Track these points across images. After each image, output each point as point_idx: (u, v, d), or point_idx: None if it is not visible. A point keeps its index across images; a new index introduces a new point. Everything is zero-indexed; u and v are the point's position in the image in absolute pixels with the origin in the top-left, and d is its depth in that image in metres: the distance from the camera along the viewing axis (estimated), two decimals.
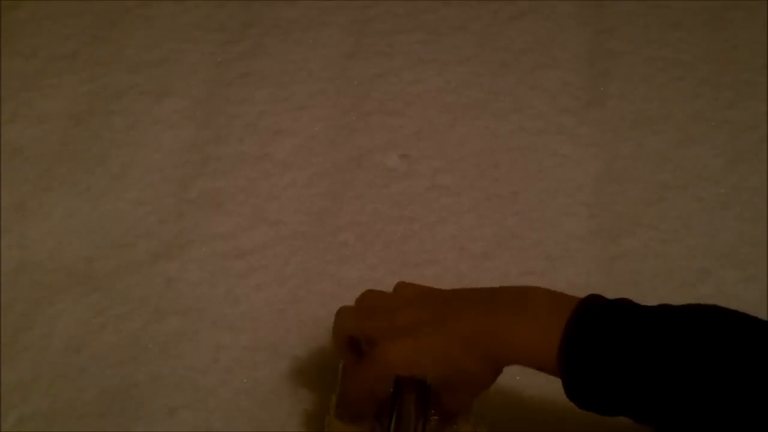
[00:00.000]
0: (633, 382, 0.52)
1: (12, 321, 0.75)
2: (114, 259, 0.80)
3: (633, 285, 0.78)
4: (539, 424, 0.69)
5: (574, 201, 0.85)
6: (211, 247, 0.81)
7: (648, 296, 0.56)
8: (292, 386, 0.72)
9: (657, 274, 0.79)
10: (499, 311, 0.56)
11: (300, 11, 1.05)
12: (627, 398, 0.52)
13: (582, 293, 0.56)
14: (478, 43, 1.01)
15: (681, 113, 0.94)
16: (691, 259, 0.80)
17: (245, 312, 0.77)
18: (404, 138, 0.91)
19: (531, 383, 0.69)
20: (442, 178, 0.87)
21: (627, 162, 0.89)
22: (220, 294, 0.78)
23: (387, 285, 0.67)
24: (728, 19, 1.04)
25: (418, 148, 0.90)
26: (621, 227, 0.83)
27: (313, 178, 0.87)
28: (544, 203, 0.85)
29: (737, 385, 0.49)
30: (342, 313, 0.65)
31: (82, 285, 0.78)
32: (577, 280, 0.78)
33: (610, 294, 0.56)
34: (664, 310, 0.54)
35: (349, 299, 0.67)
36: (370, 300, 0.65)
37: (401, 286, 0.65)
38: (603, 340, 0.52)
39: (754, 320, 0.52)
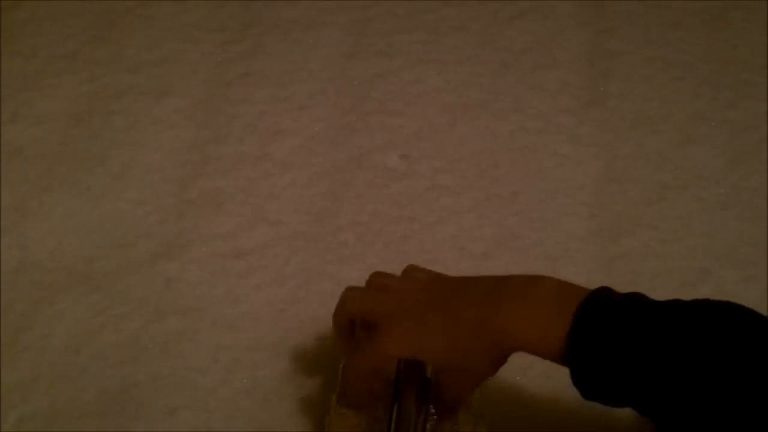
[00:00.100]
0: (640, 374, 0.51)
1: (12, 321, 0.75)
2: (114, 259, 0.80)
3: (633, 285, 0.76)
4: (539, 424, 0.69)
5: (574, 201, 0.85)
6: (211, 247, 0.81)
7: (648, 296, 0.56)
8: (292, 386, 0.72)
9: (657, 274, 0.79)
10: (507, 297, 0.56)
11: (300, 11, 1.05)
12: (633, 389, 0.52)
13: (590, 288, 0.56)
14: (478, 43, 1.01)
15: (681, 113, 0.94)
16: (691, 259, 0.80)
17: (245, 312, 0.77)
18: (404, 138, 0.91)
19: (531, 383, 0.69)
20: (442, 178, 0.87)
21: (627, 162, 0.89)
22: (220, 294, 0.78)
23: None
24: (728, 19, 1.04)
25: (418, 148, 0.90)
26: (621, 227, 0.83)
27: (313, 178, 0.87)
28: (544, 203, 0.85)
29: (744, 381, 0.49)
30: (349, 291, 0.65)
31: (82, 285, 0.78)
32: (577, 280, 0.77)
33: None
34: (675, 304, 0.54)
35: None
36: (378, 280, 0.65)
37: (411, 269, 0.66)
38: (612, 330, 0.52)
39: (764, 317, 0.52)
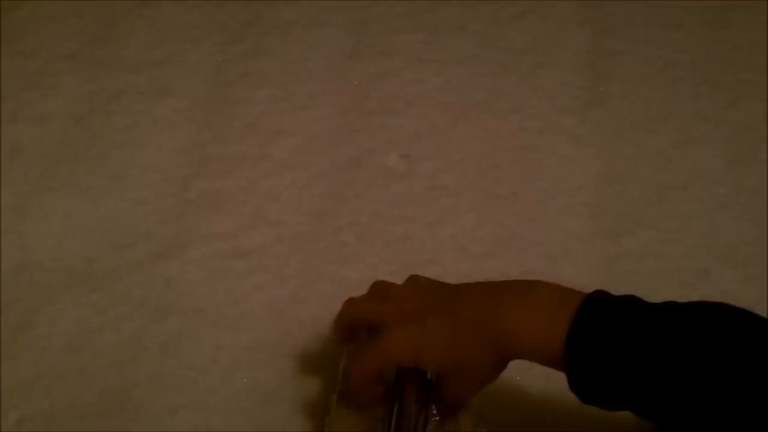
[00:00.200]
0: (637, 378, 0.52)
1: (12, 321, 0.75)
2: (114, 259, 0.80)
3: (633, 285, 0.76)
4: (539, 424, 0.69)
5: (574, 201, 0.85)
6: (211, 247, 0.81)
7: (648, 296, 0.56)
8: (292, 386, 0.71)
9: (657, 274, 0.79)
10: (506, 304, 0.57)
11: (300, 11, 1.05)
12: (631, 393, 0.53)
13: (586, 292, 0.56)
14: (478, 43, 1.01)
15: (681, 113, 0.94)
16: (691, 259, 0.80)
17: (245, 312, 0.77)
18: (404, 138, 0.91)
19: (531, 383, 0.69)
20: (442, 178, 0.87)
21: (627, 162, 0.89)
22: (220, 294, 0.78)
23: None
24: (728, 19, 1.04)
25: (418, 148, 0.90)
26: (621, 227, 0.83)
27: (313, 178, 0.87)
28: (544, 203, 0.85)
29: (741, 383, 0.49)
30: (352, 300, 0.66)
31: (82, 285, 0.78)
32: (577, 280, 0.77)
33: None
34: (670, 306, 0.54)
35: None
36: (381, 288, 0.66)
37: (413, 278, 0.66)
38: (608, 335, 0.52)
39: (760, 318, 0.52)
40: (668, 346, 0.51)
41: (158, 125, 0.92)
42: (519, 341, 0.56)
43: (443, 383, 0.60)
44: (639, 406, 0.53)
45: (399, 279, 0.67)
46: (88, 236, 0.82)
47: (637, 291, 0.57)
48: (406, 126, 0.92)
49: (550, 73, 0.98)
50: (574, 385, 0.54)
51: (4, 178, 0.86)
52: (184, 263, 0.80)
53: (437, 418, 0.62)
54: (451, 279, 0.78)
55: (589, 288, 0.57)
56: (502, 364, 0.59)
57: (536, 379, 0.67)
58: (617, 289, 0.57)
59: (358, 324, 0.66)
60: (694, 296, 0.55)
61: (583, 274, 0.79)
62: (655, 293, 0.57)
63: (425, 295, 0.63)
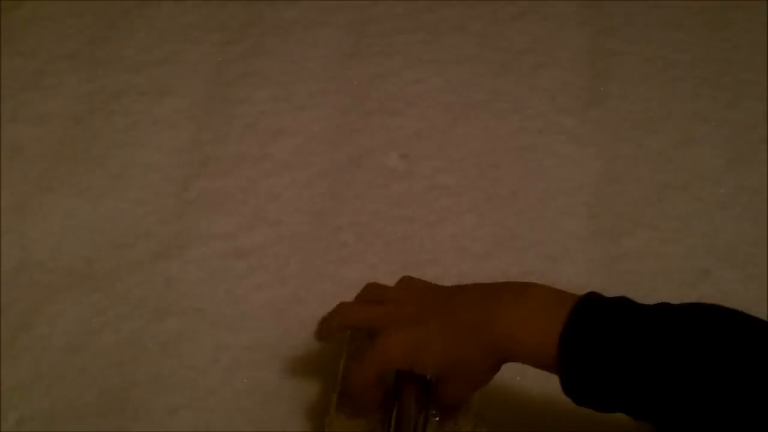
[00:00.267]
0: (630, 379, 0.52)
1: (12, 321, 0.75)
2: (114, 259, 0.80)
3: (633, 285, 0.78)
4: (539, 424, 0.69)
5: (574, 201, 0.85)
6: (211, 247, 0.81)
7: (648, 296, 0.56)
8: (292, 386, 0.72)
9: (657, 274, 0.79)
10: (500, 306, 0.57)
11: (300, 11, 1.05)
12: (624, 395, 0.53)
13: (582, 293, 0.56)
14: (478, 43, 1.01)
15: (681, 113, 0.94)
16: (691, 259, 0.80)
17: (245, 312, 0.77)
18: (404, 138, 0.91)
19: (531, 383, 0.69)
20: (442, 178, 0.87)
21: (627, 162, 0.89)
22: (220, 294, 0.78)
23: (388, 285, 0.67)
24: (728, 19, 1.04)
25: (418, 148, 0.90)
26: (621, 227, 0.83)
27: (313, 178, 0.87)
28: (544, 203, 0.85)
29: (734, 383, 0.49)
30: (345, 304, 0.65)
31: (82, 285, 0.78)
32: (577, 280, 0.78)
33: (610, 294, 0.56)
34: (663, 308, 0.54)
35: (349, 299, 0.67)
36: (374, 291, 0.66)
37: (406, 280, 0.66)
38: (601, 337, 0.53)
39: (753, 319, 0.52)
40: (660, 348, 0.51)
41: (158, 125, 0.92)
42: (514, 344, 0.56)
43: (439, 385, 0.60)
44: (632, 408, 0.53)
45: (398, 279, 0.67)
46: (88, 236, 0.82)
47: (637, 291, 0.57)
48: (406, 126, 0.92)
49: (550, 73, 0.98)
50: (566, 387, 0.54)
51: (4, 178, 0.86)
52: (184, 263, 0.80)
53: (437, 418, 0.62)
54: (451, 279, 0.78)
55: (590, 288, 0.57)
56: (496, 367, 0.59)
57: (536, 379, 0.67)
58: (617, 289, 0.57)
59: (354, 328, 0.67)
60: (694, 296, 0.55)
61: (583, 274, 0.79)
62: (655, 293, 0.57)
63: (420, 298, 0.63)
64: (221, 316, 0.76)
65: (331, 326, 0.66)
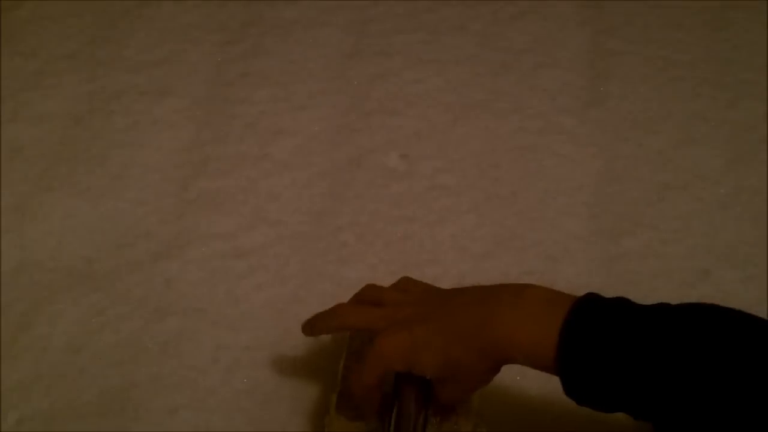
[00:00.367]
0: (630, 379, 0.52)
1: (12, 321, 0.75)
2: (114, 259, 0.80)
3: (633, 285, 0.78)
4: (539, 424, 0.69)
5: (574, 201, 0.85)
6: (211, 247, 0.81)
7: (648, 296, 0.56)
8: (292, 386, 0.72)
9: (657, 274, 0.79)
10: (497, 308, 0.57)
11: (300, 11, 1.05)
12: (624, 395, 0.53)
13: (581, 293, 0.56)
14: (478, 43, 1.01)
15: (681, 113, 0.94)
16: (691, 259, 0.80)
17: (245, 312, 0.77)
18: (404, 138, 0.91)
19: (531, 383, 0.69)
20: (442, 178, 0.87)
21: (627, 162, 0.89)
22: (220, 294, 0.78)
23: (387, 285, 0.67)
24: (728, 19, 1.04)
25: (418, 148, 0.90)
26: (621, 227, 0.83)
27: (313, 178, 0.87)
28: (544, 203, 0.85)
29: (734, 382, 0.49)
30: (342, 306, 0.65)
31: (82, 285, 0.78)
32: (577, 280, 0.78)
33: (610, 294, 0.56)
34: (662, 308, 0.54)
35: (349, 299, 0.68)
36: (372, 293, 0.65)
37: (405, 282, 0.66)
38: (600, 337, 0.53)
39: (752, 318, 0.52)
40: (660, 348, 0.51)
41: (158, 125, 0.92)
42: (512, 346, 0.56)
43: (437, 386, 0.60)
44: (632, 408, 0.53)
45: (397, 280, 0.67)
46: (88, 236, 0.82)
47: (637, 291, 0.57)
48: (406, 126, 0.92)
49: (550, 73, 0.98)
50: (567, 387, 0.54)
51: (4, 178, 0.86)
52: (184, 263, 0.80)
53: (437, 418, 0.62)
54: (451, 279, 0.78)
55: (589, 288, 0.57)
56: (495, 369, 0.59)
57: (536, 379, 0.67)
58: (617, 289, 0.57)
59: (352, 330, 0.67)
60: (694, 296, 0.55)
61: (583, 274, 0.79)
62: (655, 293, 0.57)
63: (418, 300, 0.63)
64: (221, 316, 0.76)
65: (328, 327, 0.66)
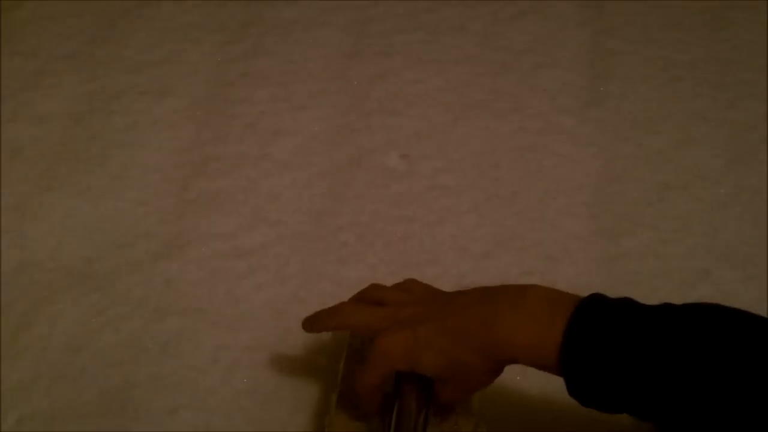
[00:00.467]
0: (635, 380, 0.52)
1: (12, 321, 0.75)
2: (114, 259, 0.80)
3: (633, 285, 0.78)
4: (539, 424, 0.69)
5: (574, 201, 0.85)
6: (211, 247, 0.81)
7: (648, 296, 0.56)
8: (292, 386, 0.72)
9: (657, 274, 0.79)
10: (499, 308, 0.57)
11: (300, 11, 1.05)
12: (630, 395, 0.52)
13: (582, 293, 0.56)
14: (478, 43, 1.01)
15: (681, 113, 0.94)
16: (691, 259, 0.80)
17: (245, 312, 0.77)
18: (404, 138, 0.91)
19: (531, 383, 0.69)
20: (442, 178, 0.87)
21: (627, 162, 0.89)
22: (220, 294, 0.78)
23: (388, 285, 0.67)
24: (728, 19, 1.04)
25: (418, 148, 0.90)
26: (621, 227, 0.83)
27: (313, 178, 0.87)
28: (544, 203, 0.85)
29: (738, 383, 0.49)
30: (344, 305, 0.65)
31: (82, 285, 0.78)
32: (577, 280, 0.78)
33: (610, 294, 0.56)
34: (666, 308, 0.54)
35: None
36: (375, 293, 0.66)
37: (409, 283, 0.66)
38: (605, 338, 0.52)
39: (757, 318, 0.52)
40: (665, 348, 0.51)
41: (158, 125, 0.92)
42: (514, 347, 0.56)
43: (438, 386, 0.60)
44: (636, 409, 0.53)
45: (399, 279, 0.67)
46: (88, 236, 0.82)
47: (637, 291, 0.57)
48: (406, 126, 0.92)
49: (550, 73, 0.98)
50: (571, 388, 0.54)
51: (4, 178, 0.86)
52: (184, 263, 0.80)
53: (437, 418, 0.62)
54: (451, 279, 0.78)
55: (589, 288, 0.57)
56: (498, 369, 0.59)
57: (536, 379, 0.67)
58: (617, 289, 0.57)
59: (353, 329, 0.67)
60: (694, 296, 0.56)
61: (583, 274, 0.79)
62: (655, 293, 0.57)
63: (420, 300, 0.63)
64: (221, 316, 0.76)
65: (329, 325, 0.66)
